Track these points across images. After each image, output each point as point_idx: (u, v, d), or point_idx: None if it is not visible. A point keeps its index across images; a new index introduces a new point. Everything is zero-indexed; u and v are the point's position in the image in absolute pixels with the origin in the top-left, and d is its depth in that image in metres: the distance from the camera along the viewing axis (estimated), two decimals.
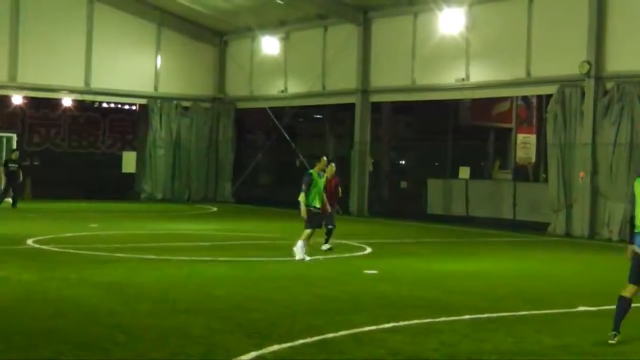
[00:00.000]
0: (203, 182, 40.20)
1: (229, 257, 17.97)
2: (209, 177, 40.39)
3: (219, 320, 10.69)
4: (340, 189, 20.24)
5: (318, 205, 17.73)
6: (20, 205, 31.68)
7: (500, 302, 12.81)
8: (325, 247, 19.37)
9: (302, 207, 17.43)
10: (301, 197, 17.48)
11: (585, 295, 13.79)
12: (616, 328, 9.72)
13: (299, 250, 17.44)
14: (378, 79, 33.62)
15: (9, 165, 32.20)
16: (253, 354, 8.76)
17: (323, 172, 18.06)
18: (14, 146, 36.61)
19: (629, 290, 9.84)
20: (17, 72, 36.37)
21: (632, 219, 9.90)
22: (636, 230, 9.78)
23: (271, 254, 18.62)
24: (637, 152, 25.31)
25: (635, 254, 9.79)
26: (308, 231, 17.57)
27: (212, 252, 18.85)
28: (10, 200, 31.88)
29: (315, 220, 17.80)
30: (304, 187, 17.51)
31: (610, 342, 9.59)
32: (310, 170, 17.95)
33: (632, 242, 9.92)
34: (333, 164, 19.40)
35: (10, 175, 32.00)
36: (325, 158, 18.35)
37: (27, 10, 36.27)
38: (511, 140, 39.07)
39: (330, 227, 19.32)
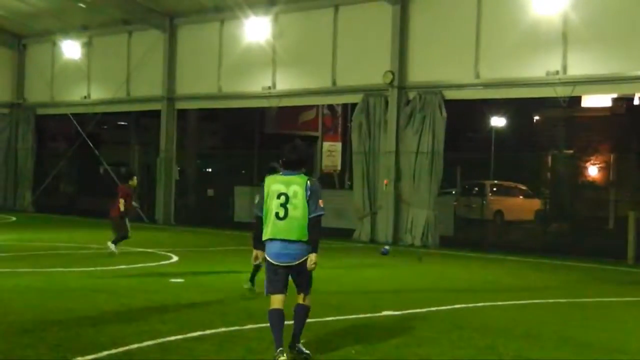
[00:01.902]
0: (1, 190, 38.59)
1: (28, 268, 17.13)
2: (8, 185, 38.82)
3: (19, 334, 10.14)
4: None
5: None
6: None
7: None
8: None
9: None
10: None
11: (390, 300, 14.05)
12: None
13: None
14: (184, 86, 33.34)
15: None
16: None
17: None
18: None
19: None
20: None
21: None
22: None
23: (74, 264, 17.95)
24: (437, 160, 26.21)
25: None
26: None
27: (10, 263, 18.02)
28: None
29: None
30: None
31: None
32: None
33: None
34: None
35: None
36: None
37: None
38: (317, 148, 39.64)
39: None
